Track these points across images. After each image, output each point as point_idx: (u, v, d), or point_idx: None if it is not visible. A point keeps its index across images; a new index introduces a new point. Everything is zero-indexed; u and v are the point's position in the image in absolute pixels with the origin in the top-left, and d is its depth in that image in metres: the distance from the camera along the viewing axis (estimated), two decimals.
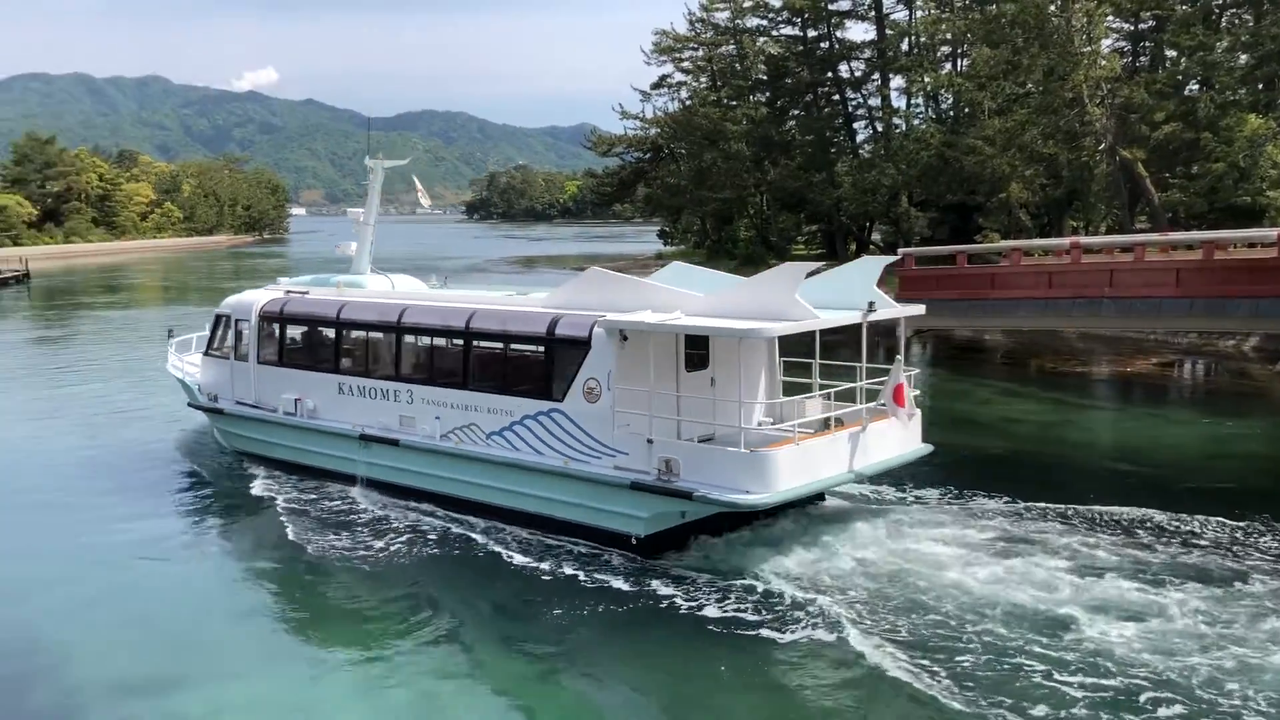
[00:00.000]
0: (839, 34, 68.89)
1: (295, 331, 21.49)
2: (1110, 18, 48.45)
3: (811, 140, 68.93)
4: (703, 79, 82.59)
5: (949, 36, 61.11)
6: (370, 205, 24.61)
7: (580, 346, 16.35)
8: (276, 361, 21.41)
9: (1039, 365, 35.90)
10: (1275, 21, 41.54)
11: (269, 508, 19.05)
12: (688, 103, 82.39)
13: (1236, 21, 48.21)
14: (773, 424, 16.94)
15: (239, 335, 22.07)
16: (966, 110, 56.94)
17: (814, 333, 16.09)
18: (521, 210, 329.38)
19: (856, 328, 16.61)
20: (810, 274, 16.07)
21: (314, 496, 19.48)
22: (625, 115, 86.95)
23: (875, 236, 67.98)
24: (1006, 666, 11.88)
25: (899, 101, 67.03)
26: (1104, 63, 45.07)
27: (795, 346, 17.12)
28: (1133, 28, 53.53)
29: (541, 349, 17.11)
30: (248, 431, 22.21)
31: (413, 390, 18.76)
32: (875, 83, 67.17)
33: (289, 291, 22.33)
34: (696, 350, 16.82)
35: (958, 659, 12.08)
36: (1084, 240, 27.41)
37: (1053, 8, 44.22)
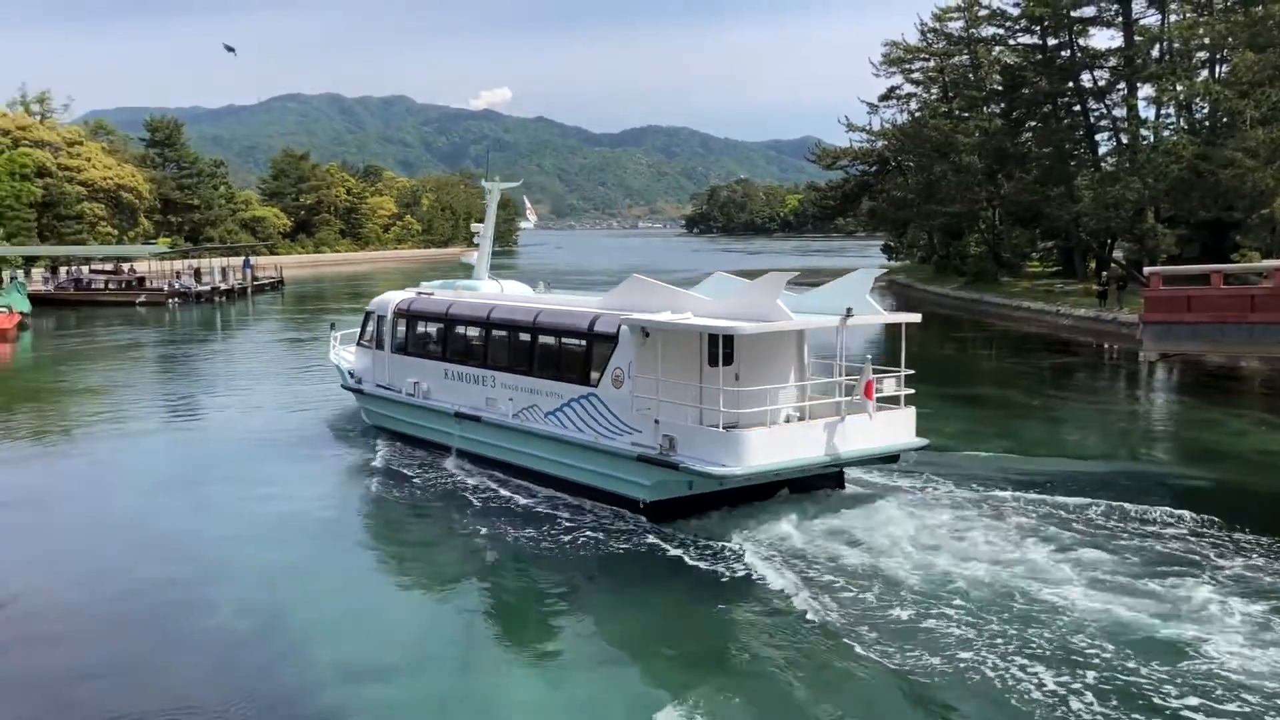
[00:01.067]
0: (1081, 41, 65.44)
1: (418, 326, 25.14)
2: None
3: (1049, 153, 65.72)
4: (934, 90, 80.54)
5: (1206, 41, 56.91)
6: (488, 221, 28.63)
7: (610, 341, 19.47)
8: (404, 351, 25.24)
9: None
10: None
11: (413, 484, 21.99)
12: (917, 114, 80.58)
13: None
14: (798, 416, 19.16)
15: (379, 328, 26.09)
16: (1225, 120, 52.86)
17: (799, 332, 19.64)
18: (741, 224, 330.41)
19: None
20: (790, 282, 18.26)
21: (429, 473, 22.63)
22: (851, 128, 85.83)
23: (1117, 254, 64.12)
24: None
25: (1147, 111, 63.03)
26: None
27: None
28: None
29: (584, 342, 20.19)
30: (381, 409, 26.22)
31: (495, 376, 22.21)
32: (1121, 92, 63.41)
33: (419, 293, 26.27)
34: (724, 348, 18.87)
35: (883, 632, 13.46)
36: None
37: None
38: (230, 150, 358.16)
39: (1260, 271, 27.03)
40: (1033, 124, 70.06)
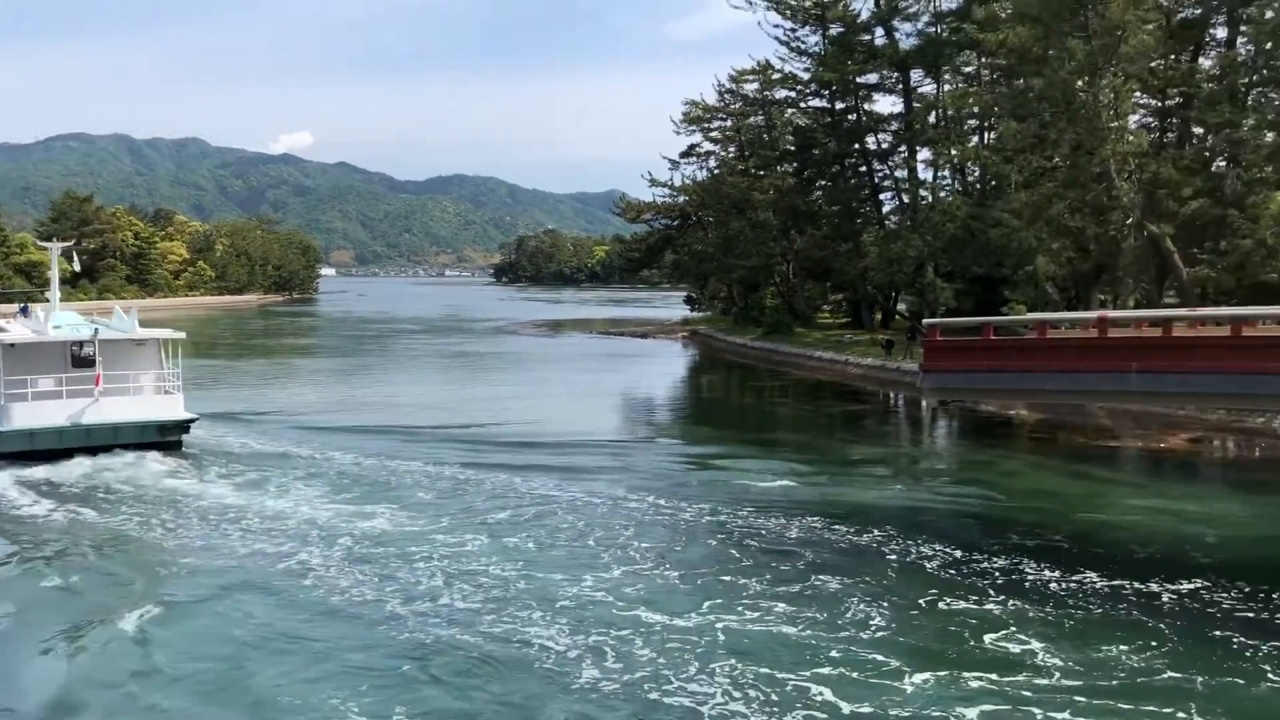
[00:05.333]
0: (866, 106, 69.72)
1: None
2: (1138, 94, 48.80)
3: (838, 210, 69.51)
4: (731, 148, 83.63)
5: (976, 110, 61.66)
6: (53, 281, 35.03)
7: None
8: None
9: (1067, 440, 35.62)
10: None
11: None
12: (716, 171, 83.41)
13: (1263, 100, 48.43)
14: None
15: None
16: (993, 183, 57.26)
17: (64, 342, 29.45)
18: (550, 274, 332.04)
19: None
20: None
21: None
22: (654, 183, 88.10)
23: (901, 306, 68.05)
24: None
25: (926, 173, 67.64)
26: (1131, 138, 45.35)
27: None
28: (1160, 104, 53.81)
29: None
30: None
31: None
32: (902, 154, 67.83)
33: None
34: (82, 354, 29.03)
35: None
36: (1111, 314, 27.34)
37: (1080, 83, 44.55)
38: (3, 191, 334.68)
39: (1026, 323, 29.37)
40: (823, 183, 73.94)
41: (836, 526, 21.36)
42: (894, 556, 19.24)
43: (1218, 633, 15.16)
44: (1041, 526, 21.86)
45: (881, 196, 71.86)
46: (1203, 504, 24.89)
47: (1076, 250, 49.00)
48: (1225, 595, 16.83)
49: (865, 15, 68.11)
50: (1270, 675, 13.52)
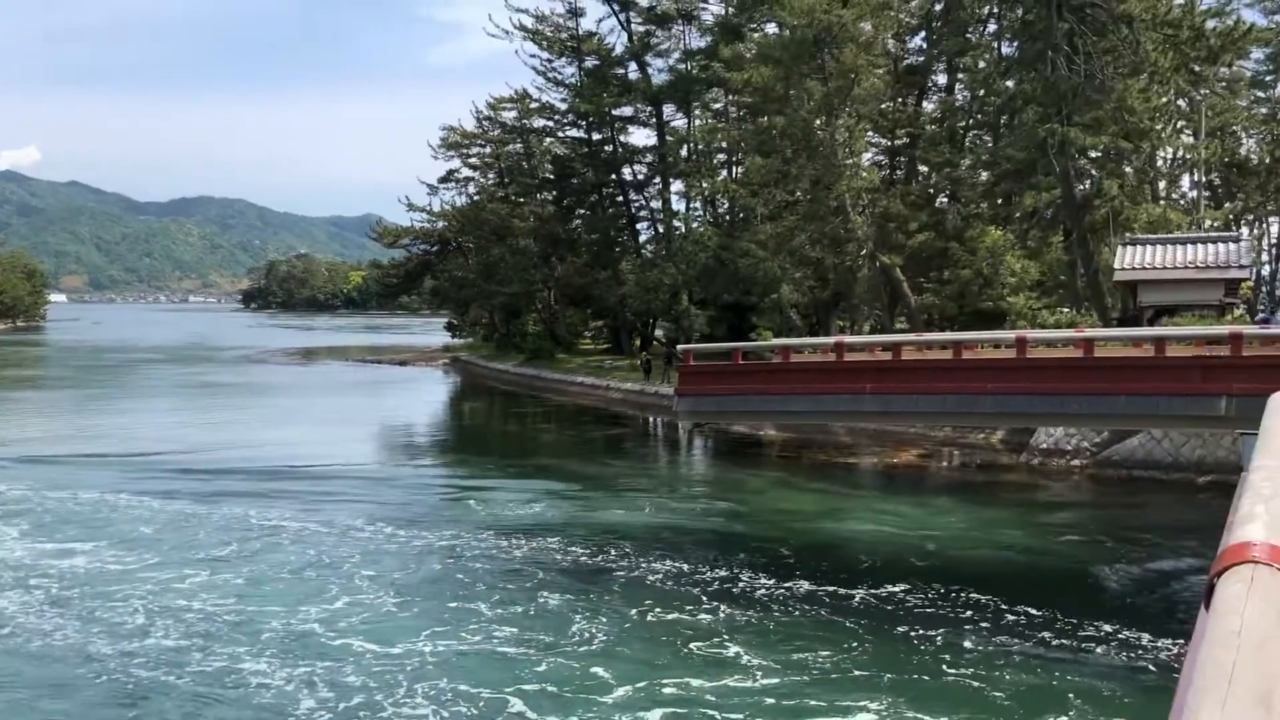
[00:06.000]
0: (622, 138, 71.49)
1: None
2: (870, 133, 52.42)
3: (597, 239, 70.83)
4: (491, 175, 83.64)
5: (724, 145, 64.42)
6: None
7: None
8: None
9: (811, 458, 37.62)
10: (1010, 144, 46.00)
11: None
12: (476, 197, 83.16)
13: (978, 142, 53.11)
14: None
15: None
16: (741, 215, 59.95)
17: None
18: (303, 300, 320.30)
19: None
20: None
21: None
22: (412, 207, 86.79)
23: (659, 333, 69.97)
24: None
25: (679, 204, 69.98)
26: (865, 175, 48.60)
27: None
28: (890, 143, 58.01)
29: None
30: None
31: None
32: (657, 186, 69.93)
33: None
34: None
35: None
36: (847, 339, 29.12)
37: (818, 122, 47.39)
38: None
39: (772, 349, 30.88)
40: (582, 211, 75.13)
41: (574, 548, 21.80)
42: (623, 573, 19.83)
43: (908, 629, 16.51)
44: (773, 540, 23.09)
45: (639, 226, 73.79)
46: (926, 514, 26.89)
47: (817, 279, 51.98)
48: (924, 596, 18.27)
49: (619, 50, 69.92)
50: (946, 666, 14.88)
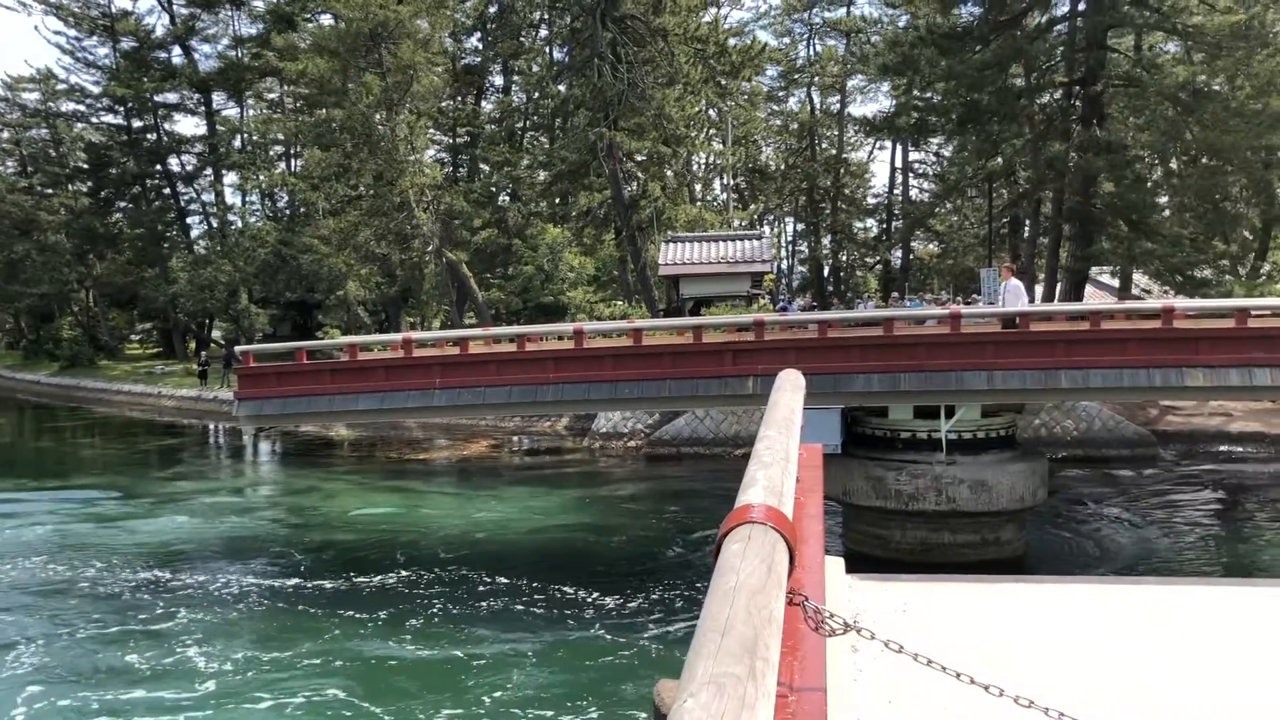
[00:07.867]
0: (168, 126, 66.67)
1: None
2: (431, 130, 52.87)
3: (142, 233, 65.43)
4: (10, 162, 74.69)
5: (281, 136, 62.09)
6: None
7: None
8: None
9: (384, 455, 37.46)
10: (564, 145, 48.40)
11: None
12: None
13: (535, 143, 55.34)
14: None
15: None
16: (302, 210, 58.14)
17: None
18: None
19: None
20: None
21: None
22: None
23: (216, 334, 66.09)
24: None
25: (234, 198, 66.52)
26: (428, 171, 48.97)
27: None
28: (452, 141, 58.88)
29: None
30: None
31: None
32: (208, 177, 65.96)
33: None
34: None
35: None
36: (415, 335, 29.30)
37: (378, 117, 47.08)
38: None
39: (339, 347, 30.35)
40: (124, 204, 69.16)
41: (107, 570, 20.64)
42: (146, 593, 19.14)
43: (420, 606, 17.77)
44: (312, 540, 23.18)
45: (190, 220, 69.15)
46: (496, 502, 27.88)
47: (385, 275, 51.70)
48: (489, 581, 19.37)
49: (161, 32, 65.11)
50: (503, 644, 15.73)
